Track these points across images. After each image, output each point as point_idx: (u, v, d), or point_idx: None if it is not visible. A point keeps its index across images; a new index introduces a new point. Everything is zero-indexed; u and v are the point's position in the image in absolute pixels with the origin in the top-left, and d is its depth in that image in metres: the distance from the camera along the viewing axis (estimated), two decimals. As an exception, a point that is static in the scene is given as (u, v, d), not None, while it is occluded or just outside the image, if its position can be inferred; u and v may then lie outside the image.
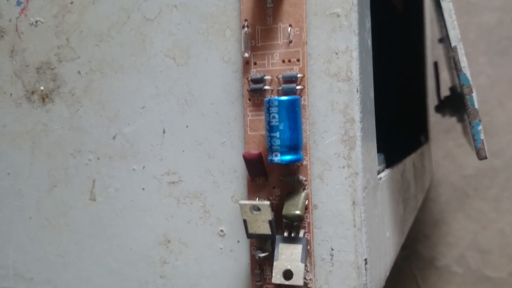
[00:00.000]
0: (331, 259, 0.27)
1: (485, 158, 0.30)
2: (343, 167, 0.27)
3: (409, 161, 0.51)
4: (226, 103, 0.28)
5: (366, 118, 0.28)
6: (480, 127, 0.30)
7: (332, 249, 0.27)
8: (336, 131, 0.27)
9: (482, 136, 0.31)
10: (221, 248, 0.29)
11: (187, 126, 0.29)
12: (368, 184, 0.28)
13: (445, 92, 0.59)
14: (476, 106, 0.31)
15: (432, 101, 0.76)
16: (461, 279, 0.87)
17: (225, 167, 0.29)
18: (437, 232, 0.89)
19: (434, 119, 0.84)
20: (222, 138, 0.29)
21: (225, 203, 0.29)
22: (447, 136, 0.86)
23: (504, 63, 0.82)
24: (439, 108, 0.55)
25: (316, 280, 0.27)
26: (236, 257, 0.29)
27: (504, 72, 0.82)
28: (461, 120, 0.55)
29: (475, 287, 0.86)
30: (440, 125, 0.85)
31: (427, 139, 0.79)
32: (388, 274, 0.34)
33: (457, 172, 0.86)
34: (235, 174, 0.29)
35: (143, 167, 0.31)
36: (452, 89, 0.55)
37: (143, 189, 0.31)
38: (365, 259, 0.27)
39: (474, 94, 0.31)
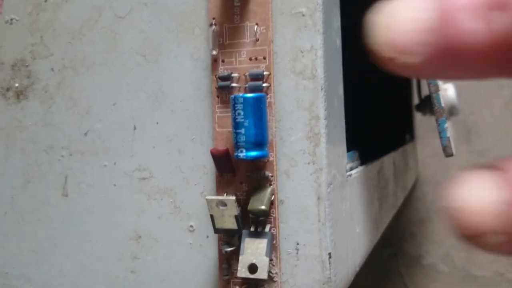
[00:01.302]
0: (297, 253, 0.28)
1: (452, 155, 0.31)
2: (308, 163, 0.27)
3: (388, 159, 0.51)
4: (196, 100, 0.29)
5: (332, 115, 0.28)
6: (446, 125, 0.31)
7: (298, 244, 0.27)
8: (301, 128, 0.27)
9: (448, 134, 0.31)
10: (190, 243, 0.30)
11: (157, 123, 0.30)
12: (334, 180, 0.28)
13: (426, 91, 0.59)
14: (442, 104, 0.31)
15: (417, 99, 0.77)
16: (447, 277, 0.88)
17: (194, 163, 0.29)
18: (423, 231, 0.89)
19: (421, 118, 0.85)
20: (191, 134, 0.29)
21: (195, 199, 0.30)
22: (434, 135, 0.86)
23: (489, 63, 0.82)
24: (420, 107, 0.56)
25: (282, 274, 0.28)
26: (205, 252, 0.29)
27: (490, 72, 0.83)
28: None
29: (460, 285, 0.87)
30: (427, 124, 0.85)
31: (412, 137, 0.80)
32: (357, 269, 0.34)
33: (443, 171, 0.87)
34: (205, 170, 0.29)
35: (114, 163, 0.31)
36: (433, 88, 0.55)
37: (115, 185, 0.31)
38: (329, 253, 0.27)
39: (440, 92, 0.31)
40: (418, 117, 0.83)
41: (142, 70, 0.30)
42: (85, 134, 0.31)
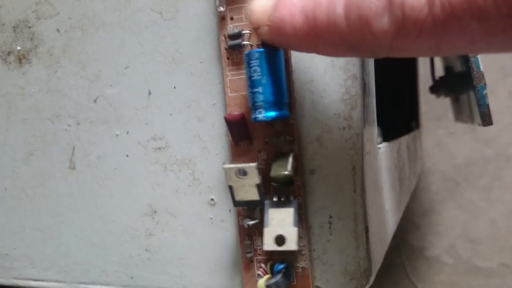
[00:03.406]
0: (330, 227, 0.25)
1: (491, 124, 0.29)
2: (344, 128, 0.25)
3: (403, 141, 0.49)
4: (218, 62, 0.26)
5: (367, 76, 0.26)
6: (485, 91, 0.29)
7: (331, 217, 0.25)
8: (336, 89, 0.25)
9: (487, 101, 0.29)
10: (211, 218, 0.27)
11: (174, 87, 0.27)
12: (370, 149, 0.26)
13: (440, 72, 0.57)
14: (481, 69, 0.29)
15: (423, 86, 0.75)
16: (451, 269, 0.86)
17: (216, 131, 0.27)
18: (427, 222, 0.87)
19: (425, 107, 0.83)
20: (212, 99, 0.27)
21: (215, 170, 0.27)
22: (438, 124, 0.85)
23: (495, 50, 0.81)
24: (434, 89, 0.54)
25: (314, 250, 0.25)
26: (228, 227, 0.27)
27: (496, 60, 0.81)
28: (456, 100, 0.53)
29: (465, 277, 0.85)
30: (431, 114, 0.83)
31: (418, 125, 0.78)
32: (386, 249, 0.32)
33: (447, 161, 0.85)
34: (227, 139, 0.27)
35: (127, 132, 0.28)
36: (448, 68, 0.53)
37: (127, 156, 0.28)
38: (366, 227, 0.25)
39: (479, 57, 0.29)
40: (422, 106, 0.81)
41: (158, 29, 0.27)
42: (95, 100, 0.29)
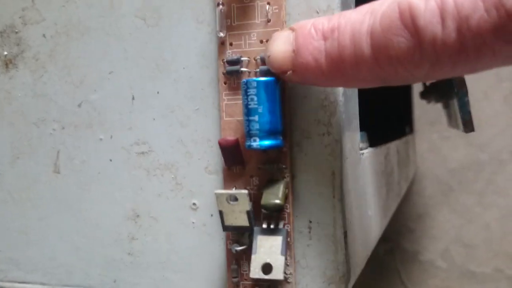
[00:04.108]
0: (309, 232, 0.25)
1: (473, 130, 0.29)
2: (323, 134, 0.25)
3: (393, 146, 0.49)
4: (200, 67, 0.27)
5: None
6: (467, 98, 0.29)
7: (310, 222, 0.25)
8: (316, 95, 0.25)
9: (469, 108, 0.29)
10: (193, 222, 0.28)
11: (158, 92, 0.28)
12: (350, 155, 0.26)
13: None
14: (463, 76, 0.29)
15: (417, 91, 0.75)
16: (445, 273, 0.86)
17: (198, 136, 0.27)
18: (421, 226, 0.87)
19: (419, 112, 0.83)
20: (195, 105, 0.27)
21: (198, 175, 0.27)
22: (432, 129, 0.85)
23: (490, 55, 0.81)
24: (424, 94, 0.54)
25: (294, 254, 0.26)
26: (209, 231, 0.27)
27: (490, 65, 0.81)
28: (446, 106, 0.53)
29: (459, 282, 0.85)
30: (425, 118, 0.84)
31: (411, 130, 0.78)
32: (369, 256, 0.32)
33: (441, 165, 0.85)
34: (209, 144, 0.27)
35: (111, 137, 0.29)
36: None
37: (111, 160, 0.29)
38: (345, 232, 0.25)
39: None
40: (416, 111, 0.82)
41: (141, 34, 0.28)
42: (79, 105, 0.29)
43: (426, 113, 0.83)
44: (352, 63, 0.19)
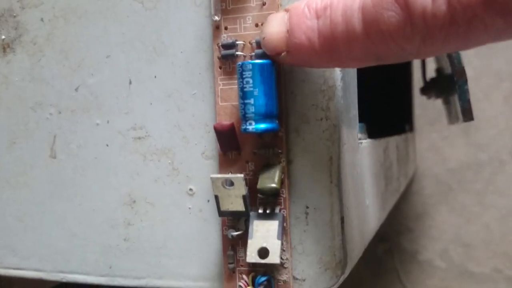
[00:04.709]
0: (306, 217, 0.25)
1: (472, 119, 0.29)
2: (321, 119, 0.25)
3: (392, 141, 0.49)
4: (198, 51, 0.27)
5: (347, 70, 0.26)
6: (466, 87, 0.29)
7: (307, 207, 0.25)
8: (314, 80, 0.25)
9: (469, 96, 0.29)
10: (189, 208, 0.27)
11: (155, 77, 0.27)
12: (347, 141, 0.26)
13: (431, 74, 0.57)
14: (463, 65, 0.29)
15: (417, 90, 0.75)
16: (444, 273, 0.86)
17: (195, 121, 0.27)
18: (420, 226, 0.87)
19: (419, 111, 0.83)
20: (193, 89, 0.27)
21: (195, 160, 0.27)
22: (432, 128, 0.84)
23: (490, 55, 0.81)
24: (425, 90, 0.54)
25: (291, 239, 0.25)
26: (206, 217, 0.27)
27: (491, 64, 0.81)
28: (446, 102, 0.53)
29: (458, 282, 0.85)
30: (425, 117, 0.83)
31: (411, 128, 0.78)
32: (366, 246, 0.32)
33: (441, 165, 0.85)
34: (206, 129, 0.27)
35: (108, 122, 0.28)
36: (439, 70, 0.53)
37: (107, 145, 0.29)
38: (342, 218, 0.25)
39: (460, 53, 0.29)
40: (416, 110, 0.81)
41: (139, 18, 0.27)
42: (76, 89, 0.29)
43: (426, 113, 0.83)
44: (344, 40, 0.19)
